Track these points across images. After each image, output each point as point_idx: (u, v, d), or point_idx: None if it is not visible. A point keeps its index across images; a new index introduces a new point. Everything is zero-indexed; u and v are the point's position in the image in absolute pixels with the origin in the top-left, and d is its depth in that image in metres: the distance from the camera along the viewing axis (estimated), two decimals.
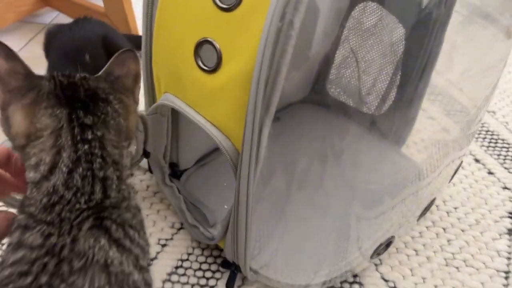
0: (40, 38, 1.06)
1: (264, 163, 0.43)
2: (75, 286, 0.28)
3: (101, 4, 1.00)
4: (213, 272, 0.58)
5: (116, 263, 0.30)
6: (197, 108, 0.44)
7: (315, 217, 0.60)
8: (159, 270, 0.57)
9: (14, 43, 1.01)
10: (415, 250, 0.62)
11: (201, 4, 0.39)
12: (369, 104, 0.75)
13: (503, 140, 0.83)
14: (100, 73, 0.39)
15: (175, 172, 0.64)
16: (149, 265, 0.35)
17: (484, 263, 0.61)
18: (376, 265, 0.60)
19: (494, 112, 0.91)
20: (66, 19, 1.07)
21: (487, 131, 0.85)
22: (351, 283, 0.58)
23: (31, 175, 0.33)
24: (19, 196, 0.39)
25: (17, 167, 0.38)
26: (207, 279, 0.57)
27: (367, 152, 0.64)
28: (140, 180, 0.70)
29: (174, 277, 0.57)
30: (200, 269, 0.58)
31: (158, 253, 0.59)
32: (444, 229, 0.66)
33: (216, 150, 0.70)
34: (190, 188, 0.64)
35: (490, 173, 0.76)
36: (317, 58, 0.77)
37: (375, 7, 0.67)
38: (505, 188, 0.73)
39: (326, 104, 0.81)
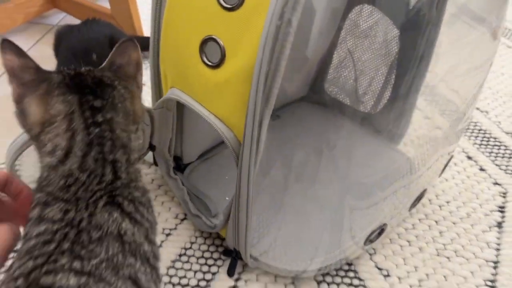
0: (48, 39, 1.09)
1: (264, 157, 0.46)
2: (94, 252, 0.31)
3: (108, 6, 1.03)
4: (215, 260, 0.61)
5: (129, 233, 0.33)
6: (202, 102, 0.47)
7: (311, 209, 0.63)
8: (163, 258, 0.59)
9: (22, 43, 1.04)
10: (408, 241, 0.65)
11: (206, 5, 0.42)
12: (365, 103, 0.78)
13: (495, 138, 0.86)
14: (103, 64, 0.42)
15: (179, 165, 0.67)
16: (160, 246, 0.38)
17: (474, 254, 0.64)
18: (370, 254, 0.63)
19: (487, 112, 0.94)
20: (73, 21, 1.11)
21: (479, 130, 0.88)
22: (346, 271, 0.61)
23: (47, 160, 0.36)
24: None
25: (16, 190, 0.39)
26: (209, 266, 0.60)
27: (361, 147, 0.67)
28: (145, 174, 0.73)
29: (178, 264, 0.60)
30: (202, 257, 0.61)
31: (162, 242, 0.62)
32: (436, 221, 0.69)
33: (218, 145, 0.73)
34: (193, 181, 0.67)
35: (481, 169, 0.79)
36: (315, 58, 0.80)
37: (371, 9, 0.70)
38: (496, 183, 0.76)
39: (324, 103, 0.84)
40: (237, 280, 0.58)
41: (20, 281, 0.29)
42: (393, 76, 0.72)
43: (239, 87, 0.42)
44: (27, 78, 0.37)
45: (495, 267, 0.62)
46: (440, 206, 0.71)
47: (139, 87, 0.44)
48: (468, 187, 0.75)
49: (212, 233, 0.64)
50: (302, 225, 0.62)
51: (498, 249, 0.65)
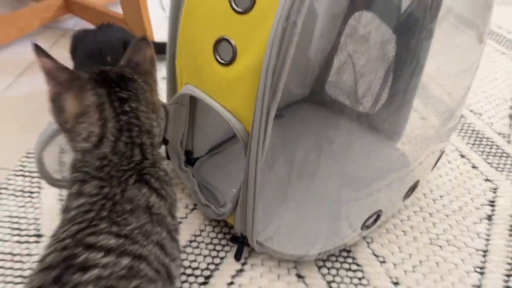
0: (62, 43, 1.15)
1: (269, 153, 0.50)
2: (127, 221, 0.36)
3: (120, 11, 1.09)
4: (223, 246, 0.65)
5: (156, 206, 0.38)
6: (215, 96, 0.52)
7: (312, 200, 0.68)
8: None
9: None
10: (403, 231, 0.70)
11: (220, 9, 0.47)
12: (364, 104, 0.83)
13: (487, 138, 0.91)
14: (121, 62, 0.46)
15: (190, 159, 0.72)
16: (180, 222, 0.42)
17: (464, 243, 0.68)
18: (368, 243, 0.67)
19: (480, 114, 0.98)
20: (86, 25, 1.16)
21: (473, 131, 0.93)
22: (345, 257, 0.65)
23: (82, 145, 0.41)
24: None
25: None
26: (218, 251, 0.64)
27: (359, 144, 0.72)
28: None
29: (189, 249, 0.64)
30: (211, 243, 0.65)
31: None
32: (430, 214, 0.73)
33: (226, 140, 0.78)
34: (202, 174, 0.72)
35: (474, 167, 0.84)
36: (317, 59, 0.85)
37: (370, 16, 0.75)
38: (487, 180, 0.81)
39: (325, 104, 0.89)
40: (243, 264, 0.63)
41: (67, 241, 0.34)
42: (390, 78, 0.77)
43: (249, 83, 0.47)
44: (63, 77, 0.42)
45: (484, 256, 0.67)
46: (434, 200, 0.76)
47: (155, 81, 0.49)
48: (461, 183, 0.80)
49: (220, 222, 0.68)
50: (304, 215, 0.66)
51: (487, 239, 0.69)
